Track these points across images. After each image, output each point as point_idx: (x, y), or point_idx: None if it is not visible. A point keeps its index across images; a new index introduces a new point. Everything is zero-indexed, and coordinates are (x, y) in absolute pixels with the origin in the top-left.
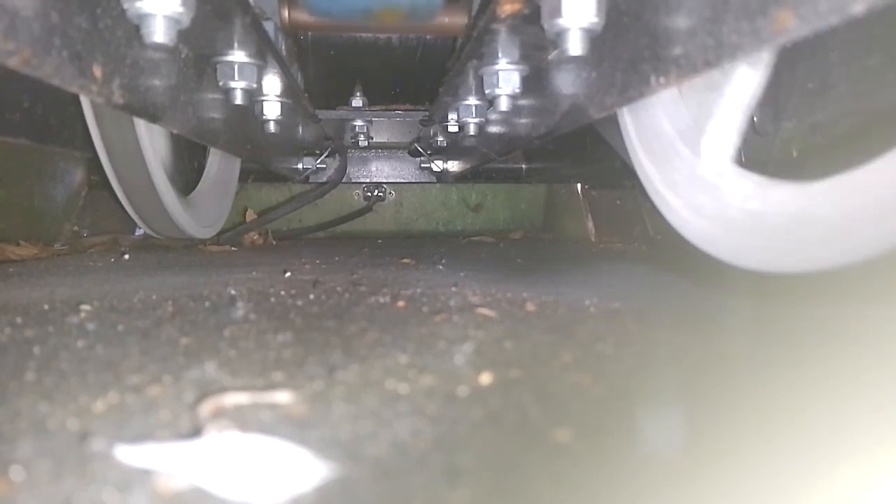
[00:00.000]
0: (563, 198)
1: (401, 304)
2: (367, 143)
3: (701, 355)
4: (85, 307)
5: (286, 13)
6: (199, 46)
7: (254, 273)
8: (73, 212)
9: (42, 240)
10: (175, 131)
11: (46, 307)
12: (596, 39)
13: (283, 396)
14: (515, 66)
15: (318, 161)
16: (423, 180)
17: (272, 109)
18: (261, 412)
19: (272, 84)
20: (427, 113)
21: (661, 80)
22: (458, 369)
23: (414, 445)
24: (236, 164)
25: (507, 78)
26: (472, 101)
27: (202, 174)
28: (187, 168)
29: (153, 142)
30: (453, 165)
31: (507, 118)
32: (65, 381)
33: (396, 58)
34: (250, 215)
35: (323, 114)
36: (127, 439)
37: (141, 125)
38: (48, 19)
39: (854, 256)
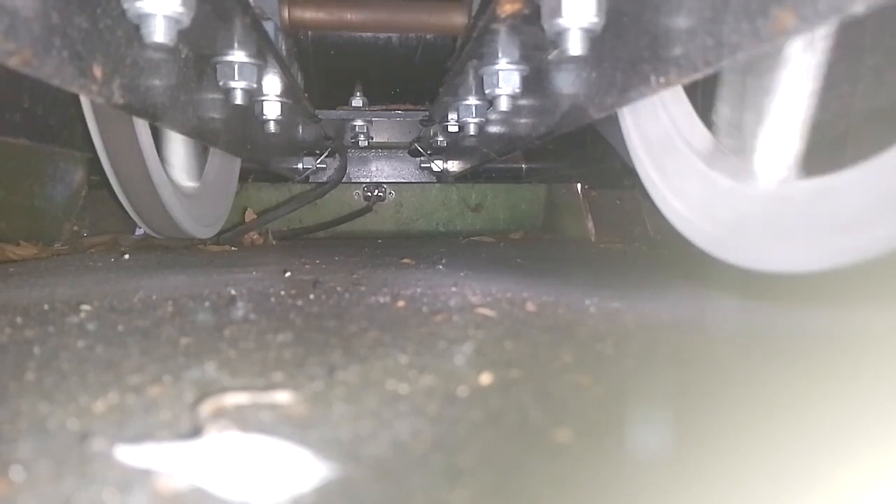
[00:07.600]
0: (563, 198)
1: (401, 304)
2: (367, 143)
3: (701, 355)
4: (85, 307)
5: (286, 13)
6: (199, 46)
7: (254, 273)
8: (73, 212)
9: (42, 240)
10: (175, 131)
11: (46, 307)
12: (596, 39)
13: (283, 396)
14: (515, 66)
15: (318, 161)
16: (423, 180)
17: (272, 109)
18: (261, 412)
19: (272, 84)
20: (427, 113)
21: (661, 80)
22: (458, 369)
23: (414, 445)
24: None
25: (507, 78)
26: (472, 100)
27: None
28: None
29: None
30: (453, 165)
31: (507, 118)
32: (65, 381)
33: (396, 58)
34: (250, 215)
35: (323, 114)
36: (127, 439)
37: (140, 125)
38: (48, 19)
39: (855, 256)
